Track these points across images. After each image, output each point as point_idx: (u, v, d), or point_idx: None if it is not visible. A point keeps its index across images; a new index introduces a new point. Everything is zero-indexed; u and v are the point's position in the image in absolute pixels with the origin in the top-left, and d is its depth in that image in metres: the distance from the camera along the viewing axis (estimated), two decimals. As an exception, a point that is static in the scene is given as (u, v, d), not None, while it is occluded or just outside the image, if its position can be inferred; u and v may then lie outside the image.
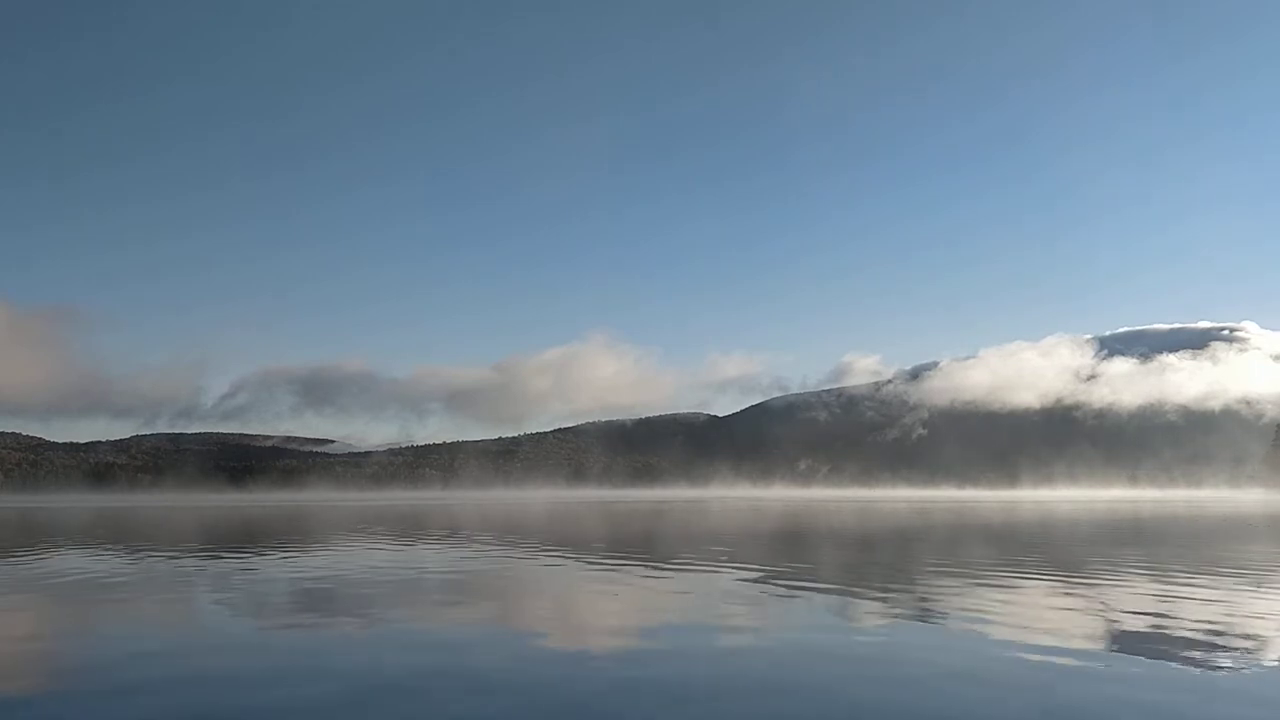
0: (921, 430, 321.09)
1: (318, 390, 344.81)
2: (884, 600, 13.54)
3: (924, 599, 13.67)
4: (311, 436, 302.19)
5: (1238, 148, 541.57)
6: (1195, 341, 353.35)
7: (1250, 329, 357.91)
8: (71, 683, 8.24)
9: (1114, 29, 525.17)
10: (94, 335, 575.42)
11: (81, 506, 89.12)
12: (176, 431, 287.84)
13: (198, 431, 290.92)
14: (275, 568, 19.50)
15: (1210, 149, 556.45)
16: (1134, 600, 13.24)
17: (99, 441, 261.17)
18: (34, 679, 8.59)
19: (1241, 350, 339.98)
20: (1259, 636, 10.29)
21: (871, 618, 11.91)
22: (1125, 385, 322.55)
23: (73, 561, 21.80)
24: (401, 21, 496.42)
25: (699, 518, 51.96)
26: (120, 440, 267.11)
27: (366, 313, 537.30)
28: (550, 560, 21.20)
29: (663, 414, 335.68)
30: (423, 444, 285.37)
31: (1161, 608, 12.34)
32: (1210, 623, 11.00)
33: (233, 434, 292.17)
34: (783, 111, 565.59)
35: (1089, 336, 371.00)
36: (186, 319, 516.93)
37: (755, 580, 16.23)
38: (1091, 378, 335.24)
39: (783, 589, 14.99)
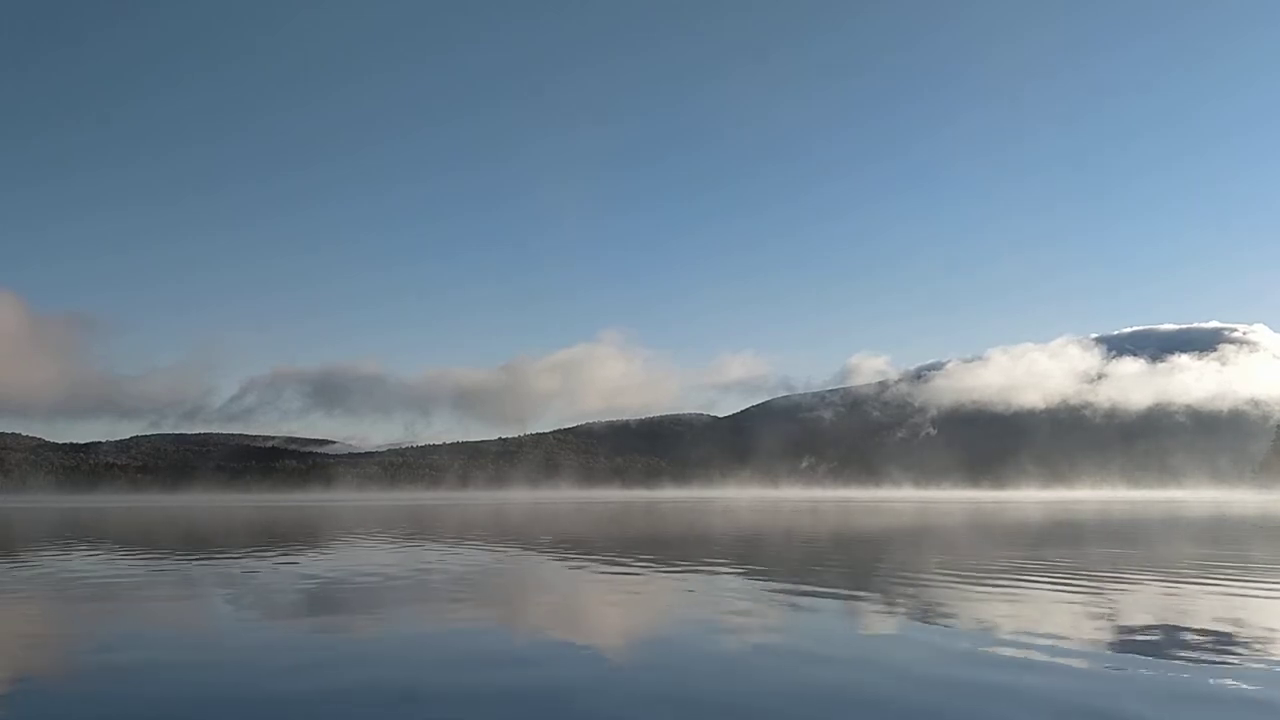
0: (930, 430, 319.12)
1: (328, 391, 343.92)
2: (887, 602, 13.31)
3: (929, 600, 13.42)
4: (313, 437, 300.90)
5: (1253, 149, 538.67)
6: (1204, 342, 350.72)
7: (1261, 331, 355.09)
8: (84, 683, 8.12)
9: (1122, 30, 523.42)
10: (106, 338, 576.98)
11: (69, 507, 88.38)
12: (179, 432, 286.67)
13: (199, 432, 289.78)
14: (255, 569, 18.93)
15: (1223, 150, 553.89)
16: (1140, 601, 13.03)
17: (99, 442, 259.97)
18: (42, 680, 8.51)
19: (1252, 352, 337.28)
20: (1264, 637, 10.12)
21: (875, 619, 11.66)
22: (1133, 385, 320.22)
23: (49, 562, 21.18)
24: (411, 23, 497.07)
25: (698, 518, 51.00)
26: (121, 441, 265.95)
27: (380, 314, 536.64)
28: (541, 562, 20.72)
29: (665, 414, 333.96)
30: (423, 444, 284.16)
31: (1167, 609, 12.17)
32: (1216, 623, 10.87)
33: (234, 435, 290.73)
34: (789, 112, 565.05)
35: (1097, 335, 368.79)
36: (197, 321, 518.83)
37: (754, 582, 16.04)
38: (1100, 378, 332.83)
39: (782, 590, 14.77)
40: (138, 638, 10.58)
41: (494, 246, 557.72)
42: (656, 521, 43.80)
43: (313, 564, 20.01)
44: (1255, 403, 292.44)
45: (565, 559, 21.20)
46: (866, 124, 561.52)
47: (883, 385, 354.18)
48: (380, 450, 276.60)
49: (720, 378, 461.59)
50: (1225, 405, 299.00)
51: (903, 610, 12.27)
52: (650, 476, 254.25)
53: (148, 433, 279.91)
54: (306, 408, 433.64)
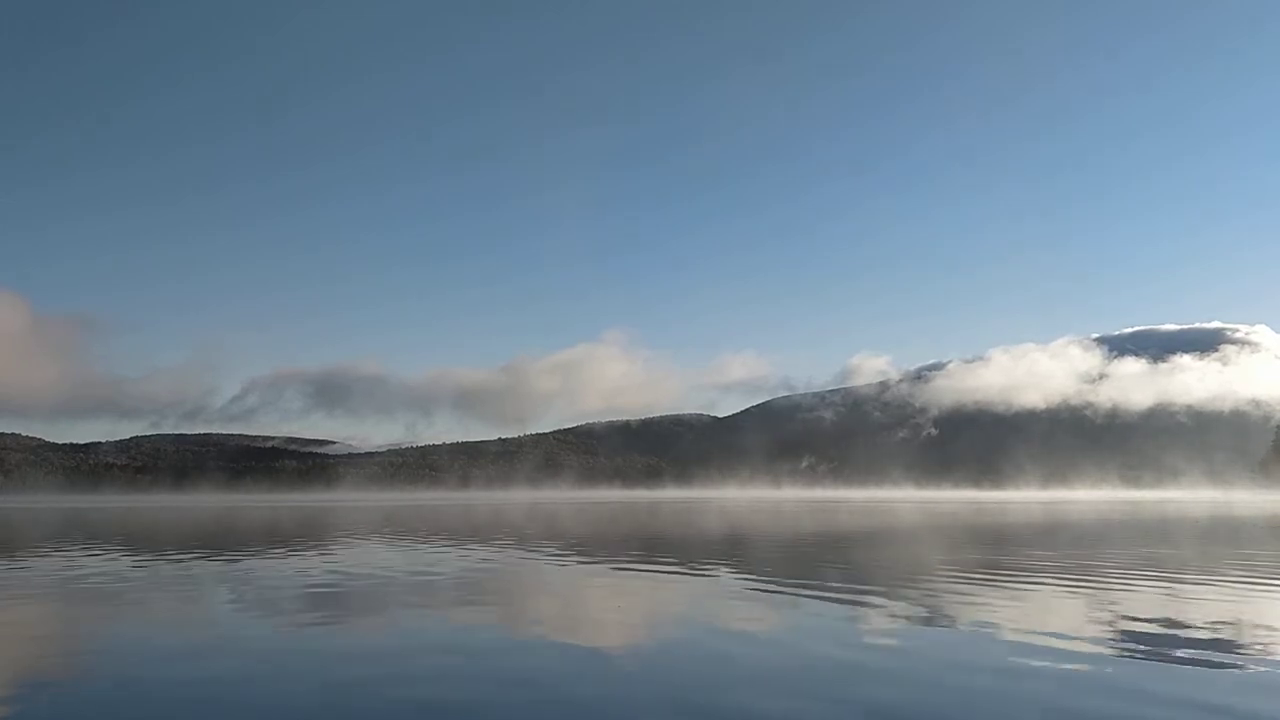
0: (931, 430, 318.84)
1: (330, 392, 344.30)
2: (888, 603, 13.02)
3: (930, 601, 13.06)
4: (313, 437, 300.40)
5: (1254, 149, 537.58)
6: (1206, 342, 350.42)
7: (1263, 332, 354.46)
8: (89, 685, 7.98)
9: (1123, 30, 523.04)
10: (107, 339, 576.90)
11: (67, 508, 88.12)
12: (179, 432, 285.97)
13: (200, 432, 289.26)
14: (254, 569, 18.97)
15: (1225, 151, 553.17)
16: (1141, 602, 12.77)
17: (99, 442, 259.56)
18: (46, 681, 8.32)
19: (1253, 352, 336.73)
20: (1267, 637, 9.93)
21: (876, 621, 11.42)
22: (1135, 386, 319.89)
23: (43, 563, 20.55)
24: (411, 23, 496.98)
25: (698, 518, 50.77)
26: (120, 441, 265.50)
27: (382, 315, 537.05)
28: (544, 563, 20.40)
29: (666, 414, 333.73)
30: (423, 445, 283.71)
31: (1169, 610, 11.92)
32: (1218, 625, 10.65)
33: (234, 435, 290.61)
34: (790, 112, 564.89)
35: (1098, 336, 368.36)
36: (199, 322, 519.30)
37: (753, 583, 15.72)
38: (1101, 378, 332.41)
39: (782, 592, 14.38)
40: (141, 638, 10.37)
41: (494, 247, 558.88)
42: (657, 522, 43.53)
43: (313, 565, 19.71)
44: (1256, 403, 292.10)
45: (567, 560, 20.90)
46: (867, 124, 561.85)
47: (883, 385, 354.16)
48: (380, 450, 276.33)
49: (721, 378, 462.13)
50: (1226, 406, 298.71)
51: (903, 610, 12.01)
52: (651, 477, 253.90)
53: (148, 433, 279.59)
54: (308, 408, 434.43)
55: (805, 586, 14.80)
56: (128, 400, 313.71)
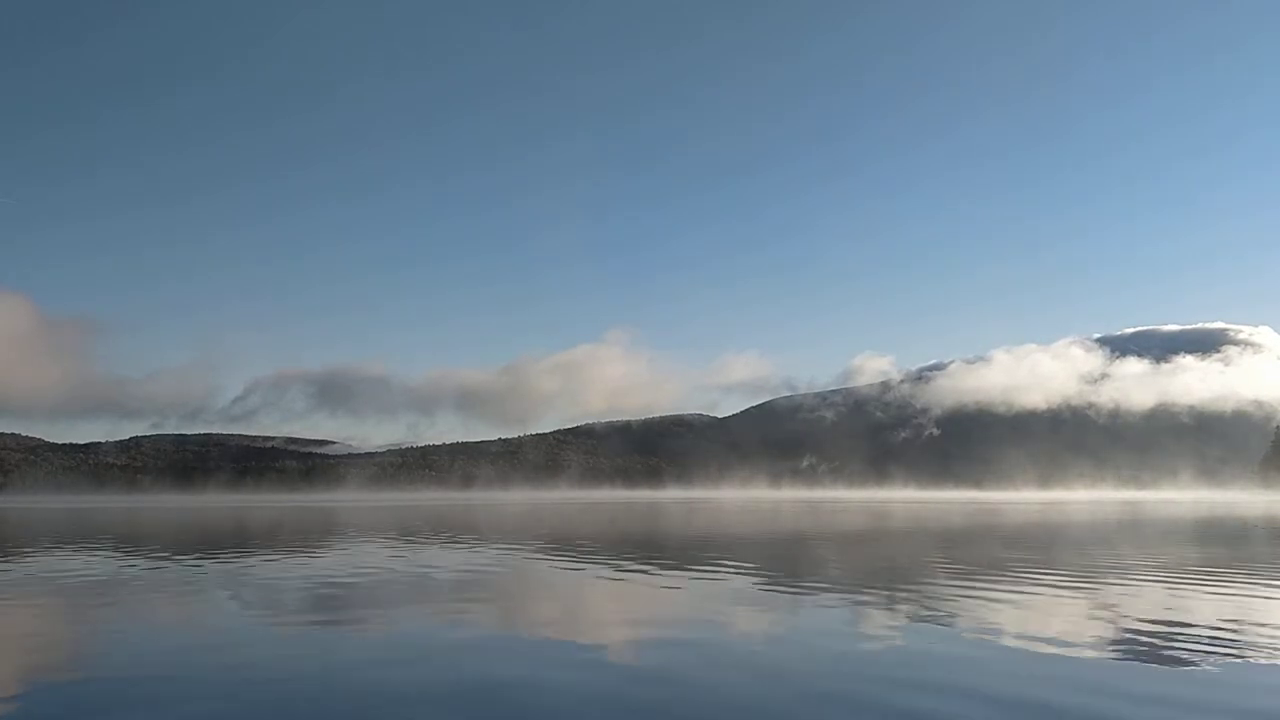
0: (933, 431, 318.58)
1: (332, 392, 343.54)
2: (889, 603, 12.89)
3: (930, 602, 12.98)
4: (314, 438, 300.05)
5: (1258, 149, 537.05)
6: (1208, 343, 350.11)
7: (1265, 333, 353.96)
8: (95, 686, 7.87)
9: (1126, 32, 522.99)
10: (110, 339, 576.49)
11: (64, 508, 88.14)
12: (179, 433, 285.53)
13: (200, 433, 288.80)
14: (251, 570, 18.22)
15: (1228, 151, 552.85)
16: (1141, 602, 12.69)
17: (99, 443, 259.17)
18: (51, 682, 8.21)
19: (1256, 353, 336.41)
20: (1267, 638, 9.81)
21: (876, 621, 11.37)
22: (1136, 386, 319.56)
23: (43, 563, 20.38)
24: (414, 25, 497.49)
25: (698, 518, 50.70)
26: (120, 441, 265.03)
27: (384, 316, 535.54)
28: (544, 563, 20.38)
29: (667, 414, 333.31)
30: (423, 445, 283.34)
31: (1169, 610, 11.85)
32: (1218, 625, 10.58)
33: (234, 435, 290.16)
34: (793, 112, 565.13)
35: (1100, 336, 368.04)
36: (201, 322, 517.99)
37: (753, 584, 15.65)
38: (1102, 378, 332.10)
39: (784, 592, 14.29)
40: (140, 638, 10.24)
41: (496, 248, 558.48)
42: (657, 522, 43.35)
43: (312, 565, 19.54)
44: (1258, 404, 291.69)
45: (567, 561, 20.72)
46: (870, 125, 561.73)
47: (885, 386, 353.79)
48: (380, 451, 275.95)
49: (723, 378, 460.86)
50: (1228, 406, 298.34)
51: (902, 611, 11.87)
52: (652, 477, 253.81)
53: (149, 433, 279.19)
54: (310, 409, 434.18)
55: (806, 587, 14.61)
56: (129, 400, 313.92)
